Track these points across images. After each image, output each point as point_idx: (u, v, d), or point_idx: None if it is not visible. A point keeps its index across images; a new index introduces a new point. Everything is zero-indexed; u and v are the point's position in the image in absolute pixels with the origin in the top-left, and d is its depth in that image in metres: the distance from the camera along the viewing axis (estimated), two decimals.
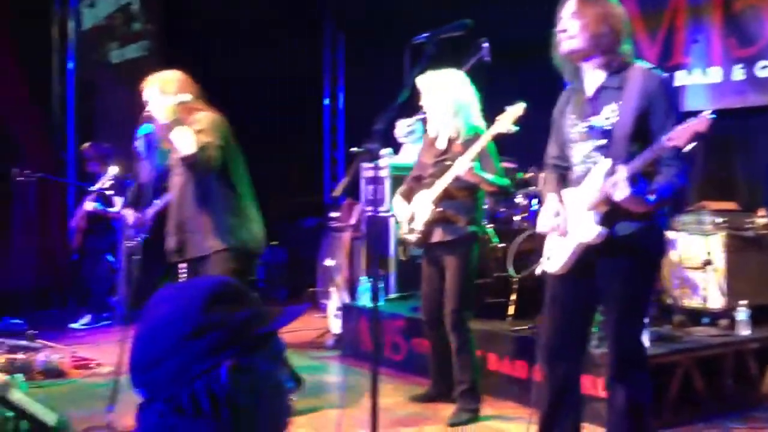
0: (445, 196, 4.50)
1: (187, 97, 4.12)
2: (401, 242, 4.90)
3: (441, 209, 4.50)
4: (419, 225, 4.59)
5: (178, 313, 1.24)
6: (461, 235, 4.49)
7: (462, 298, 4.48)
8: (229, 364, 1.21)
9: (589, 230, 3.06)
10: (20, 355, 5.08)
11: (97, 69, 9.73)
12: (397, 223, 4.91)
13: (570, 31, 3.03)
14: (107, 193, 6.78)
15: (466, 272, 4.52)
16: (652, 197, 2.90)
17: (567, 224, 3.17)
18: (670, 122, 2.91)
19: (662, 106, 2.96)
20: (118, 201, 6.71)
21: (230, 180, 4.18)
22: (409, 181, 4.86)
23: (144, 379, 1.24)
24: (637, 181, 2.88)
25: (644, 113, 2.97)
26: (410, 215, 4.67)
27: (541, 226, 3.28)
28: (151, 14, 9.15)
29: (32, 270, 6.97)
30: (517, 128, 4.29)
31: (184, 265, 4.30)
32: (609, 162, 2.99)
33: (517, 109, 4.24)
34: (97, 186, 6.71)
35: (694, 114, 2.76)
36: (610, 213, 3.02)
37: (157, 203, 5.62)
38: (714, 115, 2.71)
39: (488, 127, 4.38)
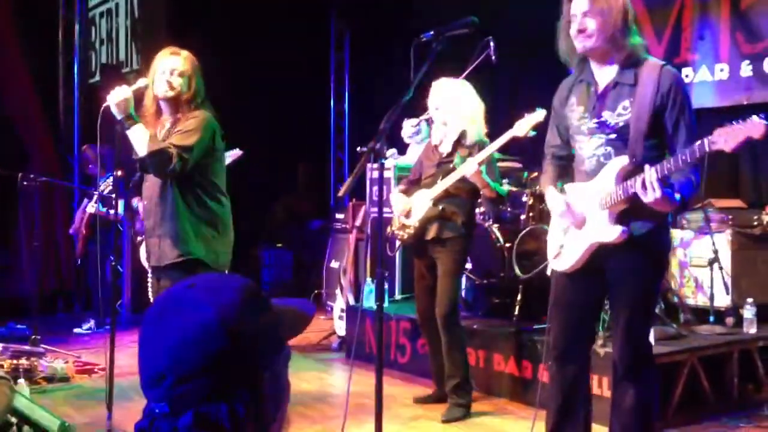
0: (446, 196, 4.52)
1: (143, 82, 3.62)
2: (389, 238, 4.90)
3: (441, 206, 4.51)
4: (414, 221, 4.59)
5: (208, 324, 1.14)
6: (457, 233, 4.51)
7: (454, 295, 4.54)
8: (268, 374, 1.18)
9: (609, 230, 2.99)
10: (24, 361, 5.05)
11: (104, 72, 9.73)
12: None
13: (588, 30, 2.98)
14: (111, 195, 6.72)
15: (459, 270, 4.62)
16: (678, 197, 2.84)
17: (577, 220, 3.12)
18: (684, 120, 2.92)
19: (676, 103, 2.93)
20: (122, 204, 6.60)
21: (203, 185, 3.69)
22: (405, 183, 4.86)
23: (170, 394, 1.14)
24: (668, 183, 2.83)
25: (659, 111, 2.94)
26: (405, 211, 4.67)
27: (555, 214, 3.23)
28: (154, 17, 9.13)
29: (38, 274, 6.93)
30: (534, 133, 4.27)
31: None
32: (625, 159, 2.95)
33: (536, 116, 4.23)
34: (101, 189, 6.63)
35: (705, 111, 2.68)
36: (626, 212, 2.97)
37: None
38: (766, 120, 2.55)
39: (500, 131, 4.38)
